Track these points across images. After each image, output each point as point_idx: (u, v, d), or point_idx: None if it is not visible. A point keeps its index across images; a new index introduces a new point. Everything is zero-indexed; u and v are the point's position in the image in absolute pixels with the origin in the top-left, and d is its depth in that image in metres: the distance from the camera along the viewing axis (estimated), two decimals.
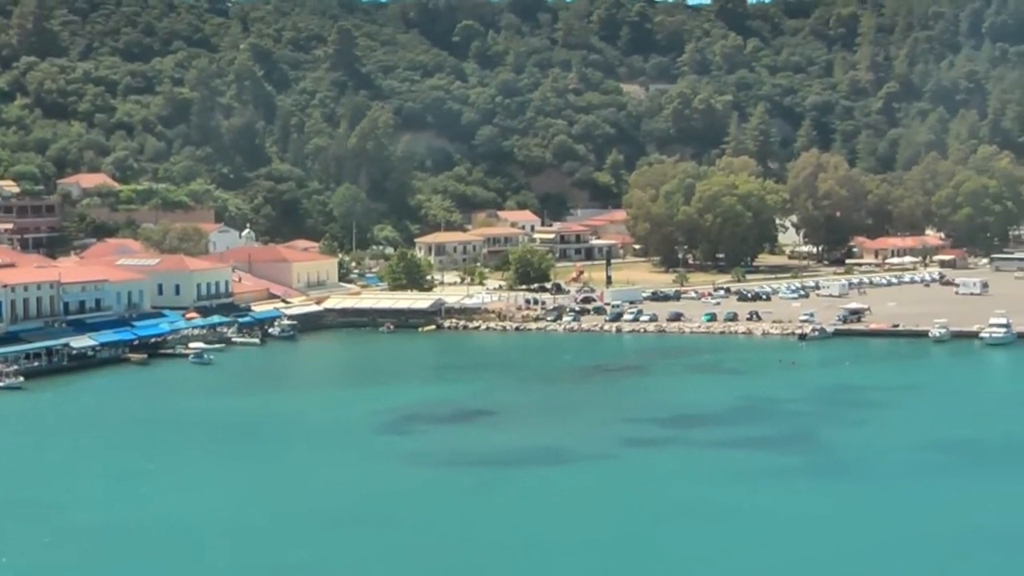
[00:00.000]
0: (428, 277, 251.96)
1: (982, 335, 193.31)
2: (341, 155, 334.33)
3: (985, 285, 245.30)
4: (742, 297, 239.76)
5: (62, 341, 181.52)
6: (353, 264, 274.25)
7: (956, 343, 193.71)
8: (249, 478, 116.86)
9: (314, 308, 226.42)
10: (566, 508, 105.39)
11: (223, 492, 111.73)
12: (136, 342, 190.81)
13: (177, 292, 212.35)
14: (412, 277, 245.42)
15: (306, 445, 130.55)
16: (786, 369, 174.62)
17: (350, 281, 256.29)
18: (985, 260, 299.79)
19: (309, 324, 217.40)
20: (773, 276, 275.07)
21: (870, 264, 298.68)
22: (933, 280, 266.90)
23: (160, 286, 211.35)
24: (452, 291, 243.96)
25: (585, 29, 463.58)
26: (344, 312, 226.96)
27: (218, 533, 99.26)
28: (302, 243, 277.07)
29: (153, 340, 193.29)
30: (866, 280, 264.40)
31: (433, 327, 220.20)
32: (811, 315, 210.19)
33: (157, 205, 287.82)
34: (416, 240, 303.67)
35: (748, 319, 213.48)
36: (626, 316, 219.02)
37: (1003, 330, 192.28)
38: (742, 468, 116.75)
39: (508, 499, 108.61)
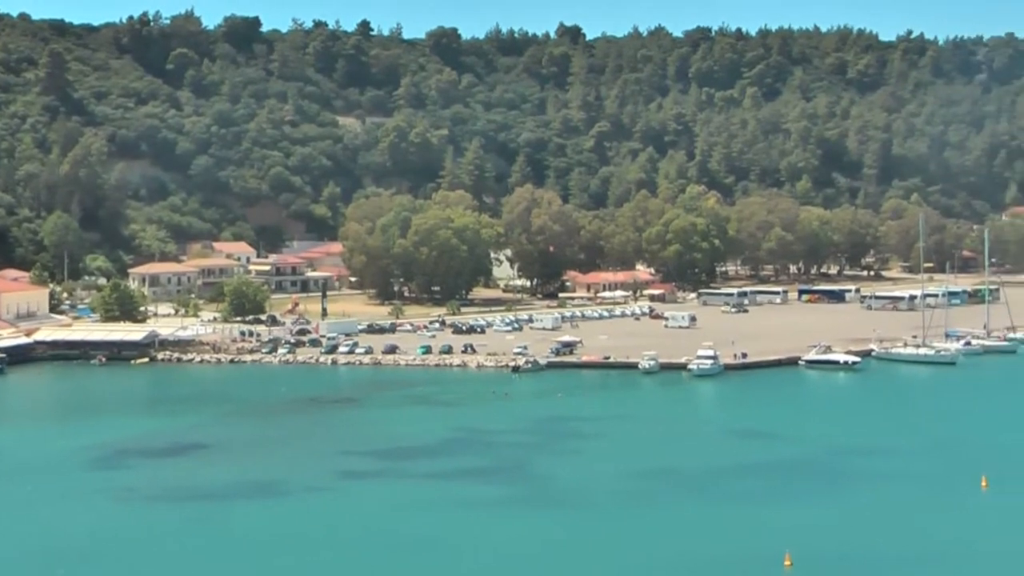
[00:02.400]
0: (142, 308, 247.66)
1: (690, 367, 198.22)
2: (53, 182, 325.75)
3: (693, 319, 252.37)
4: (457, 330, 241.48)
5: None
6: (64, 295, 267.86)
7: (665, 374, 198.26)
8: None
9: (23, 340, 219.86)
10: (279, 542, 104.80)
11: None
12: None
13: None
14: (125, 308, 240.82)
15: (11, 482, 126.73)
16: (500, 401, 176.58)
17: (61, 312, 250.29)
18: (693, 295, 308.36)
19: (18, 357, 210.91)
20: (488, 309, 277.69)
21: (582, 298, 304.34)
22: (643, 314, 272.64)
23: None
24: (166, 323, 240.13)
25: (301, 61, 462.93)
26: (55, 344, 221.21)
27: None
28: (11, 273, 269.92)
29: None
30: (578, 313, 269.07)
31: (147, 359, 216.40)
32: (525, 348, 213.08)
33: None
34: (130, 271, 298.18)
35: (463, 352, 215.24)
36: (342, 348, 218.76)
37: (710, 362, 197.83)
38: (457, 499, 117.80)
39: (221, 534, 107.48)
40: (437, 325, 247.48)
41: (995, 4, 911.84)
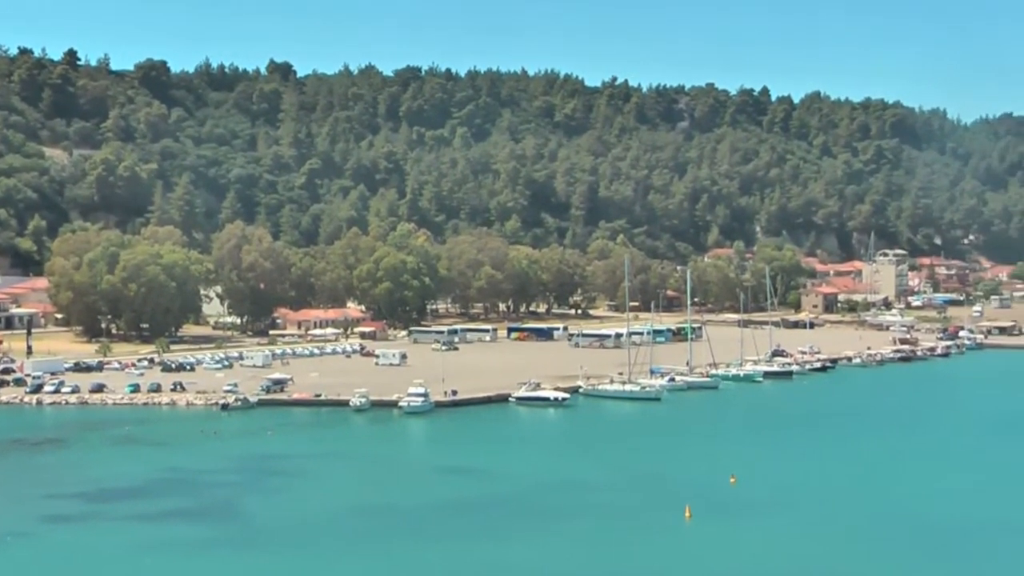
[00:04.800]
0: None
1: (401, 404, 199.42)
2: None
3: (404, 356, 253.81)
4: (166, 368, 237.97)
5: None
6: None
7: (376, 412, 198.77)
8: None
9: None
10: None
11: None
12: None
13: None
14: None
15: None
16: (209, 439, 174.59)
17: None
18: (404, 332, 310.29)
19: None
20: (197, 347, 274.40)
21: (293, 335, 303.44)
22: (354, 351, 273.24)
23: None
24: None
25: (6, 89, 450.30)
26: None
27: None
28: None
29: None
30: (289, 351, 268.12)
31: None
32: (235, 385, 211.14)
33: None
34: None
35: (172, 390, 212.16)
36: (47, 387, 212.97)
37: (421, 399, 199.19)
38: (163, 541, 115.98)
39: None
40: (146, 363, 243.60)
41: (696, 55, 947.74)
